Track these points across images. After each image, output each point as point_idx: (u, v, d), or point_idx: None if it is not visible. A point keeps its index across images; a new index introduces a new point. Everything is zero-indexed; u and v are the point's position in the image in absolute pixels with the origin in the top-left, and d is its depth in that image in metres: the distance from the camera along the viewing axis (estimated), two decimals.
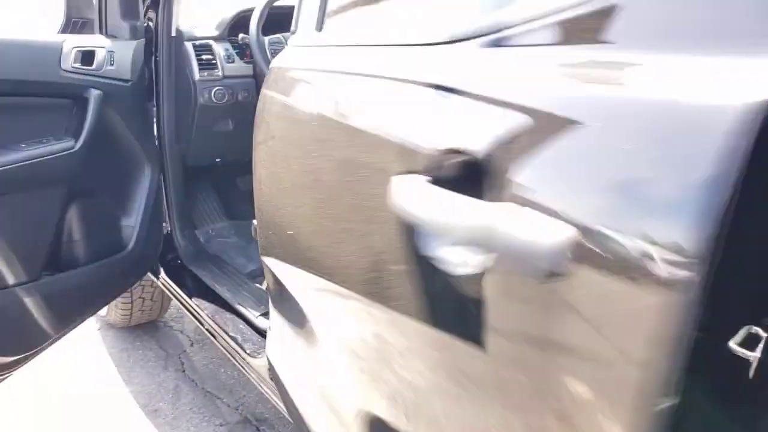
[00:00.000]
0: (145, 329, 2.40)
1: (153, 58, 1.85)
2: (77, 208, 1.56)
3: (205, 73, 2.06)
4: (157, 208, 1.80)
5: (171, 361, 2.22)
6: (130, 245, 1.70)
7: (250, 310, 1.62)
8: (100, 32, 1.71)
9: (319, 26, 1.06)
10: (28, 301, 1.43)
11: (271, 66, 1.11)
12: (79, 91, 1.56)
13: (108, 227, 1.69)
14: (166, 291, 1.96)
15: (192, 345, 2.33)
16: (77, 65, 1.55)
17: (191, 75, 2.04)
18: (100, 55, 1.60)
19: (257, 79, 2.15)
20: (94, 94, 1.57)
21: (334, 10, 1.05)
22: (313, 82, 1.02)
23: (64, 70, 1.52)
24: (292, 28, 1.14)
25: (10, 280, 1.41)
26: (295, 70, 1.06)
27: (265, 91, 1.09)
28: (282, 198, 1.05)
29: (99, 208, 1.65)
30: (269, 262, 1.15)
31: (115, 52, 1.64)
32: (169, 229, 1.96)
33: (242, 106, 2.11)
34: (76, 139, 1.52)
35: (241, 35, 2.10)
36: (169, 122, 1.90)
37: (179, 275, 1.90)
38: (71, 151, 1.49)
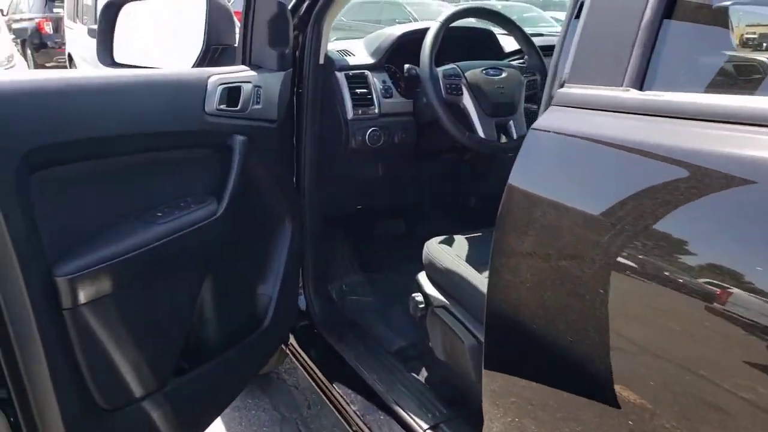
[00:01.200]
0: (258, 382, 2.14)
1: (296, 91, 1.53)
2: (212, 285, 1.27)
3: (360, 111, 1.69)
4: (295, 269, 1.51)
5: (287, 427, 1.95)
6: (267, 320, 1.41)
7: (414, 417, 1.30)
8: (243, 62, 1.42)
9: (639, 80, 0.72)
10: (156, 416, 1.14)
11: (537, 132, 0.79)
12: (222, 139, 1.27)
13: (243, 301, 1.41)
14: (295, 360, 1.68)
15: (309, 407, 2.05)
16: (222, 106, 1.25)
17: (342, 112, 1.68)
18: (245, 92, 1.31)
19: (417, 117, 1.78)
20: (239, 140, 1.27)
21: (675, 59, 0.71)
22: (670, 172, 0.65)
23: (209, 114, 1.23)
24: (567, 73, 0.80)
25: (137, 391, 1.11)
26: (610, 146, 0.72)
27: (532, 167, 0.78)
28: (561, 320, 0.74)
29: (235, 279, 1.36)
30: (498, 380, 0.86)
31: (262, 86, 1.35)
32: (301, 288, 1.66)
33: (396, 149, 1.77)
34: (219, 200, 1.23)
35: (407, 66, 1.71)
36: (311, 168, 1.58)
37: (313, 345, 1.61)
38: (214, 218, 1.20)
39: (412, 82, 1.75)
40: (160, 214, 1.14)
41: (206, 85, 1.23)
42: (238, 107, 1.29)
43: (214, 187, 1.26)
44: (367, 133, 1.70)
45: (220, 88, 1.25)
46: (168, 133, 1.17)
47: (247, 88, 1.31)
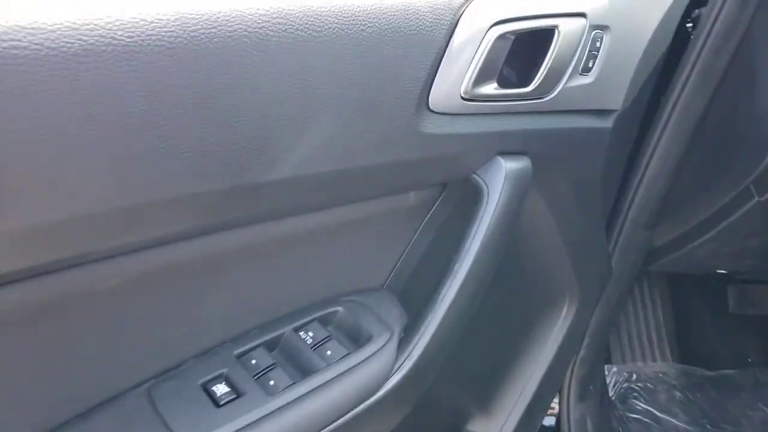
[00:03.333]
0: None
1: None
2: None
3: None
4: (558, 374, 1.10)
5: None
6: None
7: None
8: None
9: None
10: None
11: None
12: (459, 170, 0.75)
13: None
14: None
15: None
16: (491, 87, 0.68)
17: None
18: (566, 43, 0.71)
19: None
20: (510, 172, 0.74)
21: None
22: None
23: (442, 113, 0.66)
24: None
25: None
26: None
27: None
28: None
29: None
30: None
31: (610, 26, 0.76)
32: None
33: None
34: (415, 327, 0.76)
35: None
36: (655, 182, 1.00)
37: None
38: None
39: None
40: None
41: (451, 37, 0.63)
42: (533, 85, 0.71)
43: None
44: None
45: (495, 40, 0.65)
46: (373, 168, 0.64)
47: (571, 31, 0.71)
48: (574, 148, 0.83)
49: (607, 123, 0.84)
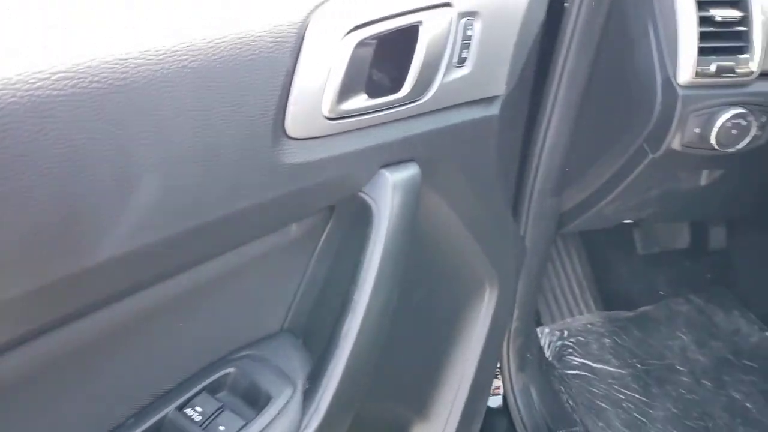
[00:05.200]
0: None
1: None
2: None
3: (710, 67, 0.86)
4: (492, 351, 1.07)
5: None
6: None
7: None
8: None
9: None
10: None
11: None
12: (340, 192, 0.69)
13: None
14: None
15: None
16: (354, 102, 0.62)
17: (661, 68, 0.90)
18: (434, 39, 0.66)
19: None
20: (396, 184, 0.69)
21: None
22: None
23: (299, 138, 0.60)
24: None
25: None
26: None
27: None
28: None
29: None
30: None
31: (479, 13, 0.71)
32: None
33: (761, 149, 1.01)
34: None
35: None
36: (555, 151, 1.01)
37: None
38: None
39: None
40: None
41: (298, 55, 0.57)
42: (406, 89, 0.65)
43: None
44: (718, 121, 0.89)
45: (355, 49, 0.59)
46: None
47: (438, 24, 0.65)
48: (463, 142, 0.78)
49: (494, 110, 0.80)
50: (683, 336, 1.57)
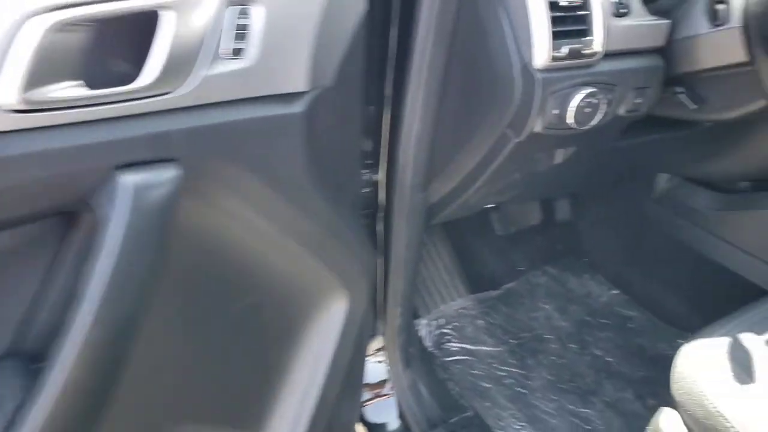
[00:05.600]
0: None
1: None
2: None
3: (563, 50, 0.88)
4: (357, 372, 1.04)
5: None
6: None
7: None
8: None
9: None
10: None
11: None
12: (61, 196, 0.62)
13: None
14: None
15: None
16: (65, 89, 0.56)
17: (518, 52, 0.90)
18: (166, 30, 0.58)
19: (675, 56, 1.01)
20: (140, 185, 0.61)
21: None
22: None
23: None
24: None
25: None
26: None
27: None
28: None
29: None
30: None
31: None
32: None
33: (610, 126, 1.03)
34: None
35: None
36: (419, 145, 1.00)
37: None
38: None
39: None
40: None
41: None
42: (148, 80, 0.58)
43: None
44: (573, 101, 0.91)
45: (48, 34, 0.53)
46: None
47: (188, 13, 0.59)
48: (253, 141, 0.69)
49: (296, 108, 0.71)
50: (545, 306, 1.67)
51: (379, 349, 1.31)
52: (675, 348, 0.90)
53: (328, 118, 0.76)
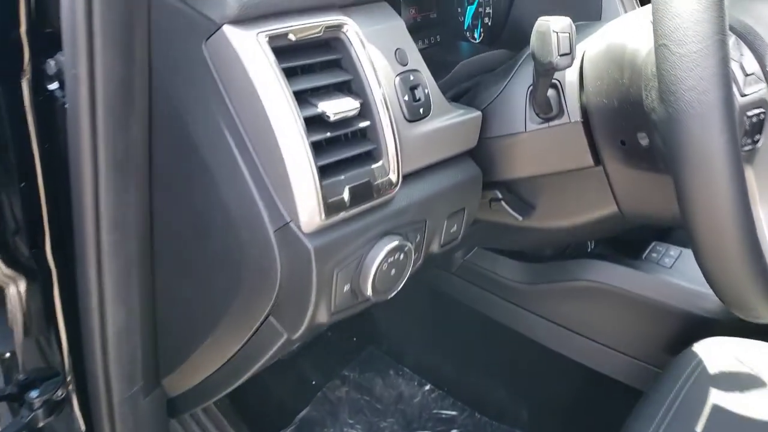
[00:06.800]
0: None
1: None
2: None
3: (345, 194, 0.52)
4: None
5: None
6: None
7: None
8: None
9: None
10: None
11: None
12: None
13: None
14: None
15: None
16: None
17: (276, 208, 0.52)
18: None
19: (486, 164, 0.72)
20: None
21: None
22: None
23: None
24: None
25: None
26: None
27: None
28: None
29: None
30: None
31: None
32: None
33: None
34: None
35: None
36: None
37: None
38: None
39: None
40: None
41: None
42: None
43: None
44: (372, 266, 0.58)
45: None
46: None
47: None
48: None
49: None
50: (354, 430, 1.32)
51: None
52: None
53: None
